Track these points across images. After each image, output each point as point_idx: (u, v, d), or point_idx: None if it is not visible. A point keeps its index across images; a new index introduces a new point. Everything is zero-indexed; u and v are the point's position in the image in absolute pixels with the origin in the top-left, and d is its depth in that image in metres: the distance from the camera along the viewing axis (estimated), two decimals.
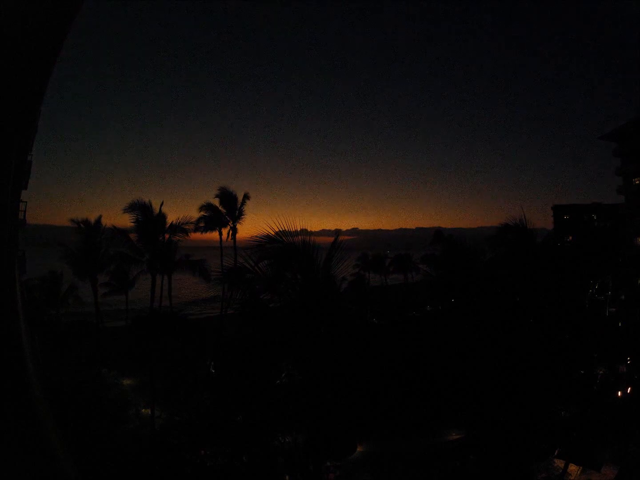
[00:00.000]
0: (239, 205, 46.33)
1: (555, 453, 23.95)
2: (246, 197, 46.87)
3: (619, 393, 29.95)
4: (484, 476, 18.38)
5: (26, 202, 13.52)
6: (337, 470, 22.86)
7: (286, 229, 12.74)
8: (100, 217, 40.95)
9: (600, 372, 28.28)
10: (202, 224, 44.94)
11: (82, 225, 40.20)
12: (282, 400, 17.42)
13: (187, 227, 34.05)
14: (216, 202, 46.08)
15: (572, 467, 24.27)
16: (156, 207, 32.75)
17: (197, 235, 43.21)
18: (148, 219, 31.77)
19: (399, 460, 24.47)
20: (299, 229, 12.90)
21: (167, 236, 33.20)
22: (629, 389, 30.78)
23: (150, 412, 28.78)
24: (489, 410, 16.99)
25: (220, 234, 46.24)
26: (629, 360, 33.22)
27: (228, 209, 46.13)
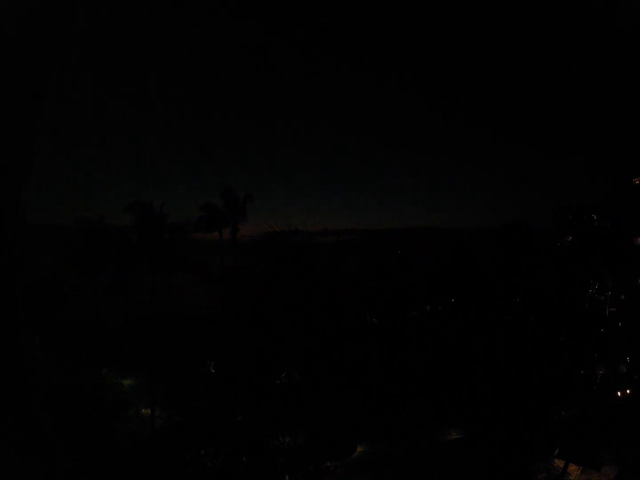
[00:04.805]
0: (240, 205, 46.33)
1: (555, 453, 23.98)
2: (247, 197, 46.88)
3: (619, 393, 29.96)
4: (484, 476, 18.39)
5: (26, 202, 13.46)
6: (337, 470, 22.86)
7: (287, 229, 12.77)
8: (101, 217, 41.00)
9: (600, 372, 28.28)
10: (202, 224, 44.93)
11: (83, 225, 40.23)
12: (282, 400, 17.43)
13: (187, 227, 34.10)
14: (217, 202, 46.14)
15: (572, 467, 24.27)
16: (157, 207, 32.84)
17: (197, 235, 43.19)
18: (148, 218, 31.83)
19: (399, 460, 24.45)
20: (299, 229, 12.91)
21: (167, 236, 33.22)
22: (629, 389, 30.78)
23: (150, 412, 28.78)
24: (489, 410, 17.00)
25: (221, 234, 46.23)
26: (628, 360, 33.23)
27: (229, 209, 46.13)
